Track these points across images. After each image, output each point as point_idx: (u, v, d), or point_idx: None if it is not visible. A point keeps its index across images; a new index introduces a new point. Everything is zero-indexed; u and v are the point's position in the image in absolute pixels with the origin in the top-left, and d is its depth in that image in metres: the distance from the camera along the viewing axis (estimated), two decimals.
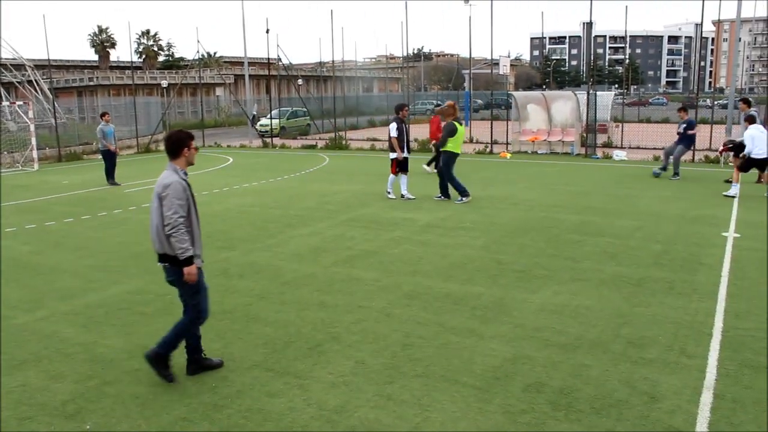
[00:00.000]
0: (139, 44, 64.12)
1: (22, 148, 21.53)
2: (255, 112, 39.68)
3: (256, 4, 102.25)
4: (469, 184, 12.50)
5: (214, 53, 65.56)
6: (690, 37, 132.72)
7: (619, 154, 20.36)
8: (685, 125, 15.37)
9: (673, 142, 15.92)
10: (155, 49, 65.98)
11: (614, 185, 14.32)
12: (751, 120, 13.01)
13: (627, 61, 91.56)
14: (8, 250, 9.16)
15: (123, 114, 32.99)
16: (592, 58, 79.70)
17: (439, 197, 12.53)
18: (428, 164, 16.90)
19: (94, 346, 5.52)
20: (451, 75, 74.53)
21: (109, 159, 16.02)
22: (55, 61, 52.20)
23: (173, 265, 4.57)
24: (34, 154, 20.98)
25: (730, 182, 13.04)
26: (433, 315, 6.10)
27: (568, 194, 13.11)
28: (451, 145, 12.15)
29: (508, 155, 21.54)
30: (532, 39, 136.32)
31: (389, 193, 12.78)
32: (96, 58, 64.23)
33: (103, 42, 62.67)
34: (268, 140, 28.54)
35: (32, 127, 21.09)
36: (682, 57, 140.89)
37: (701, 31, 24.76)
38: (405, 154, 12.42)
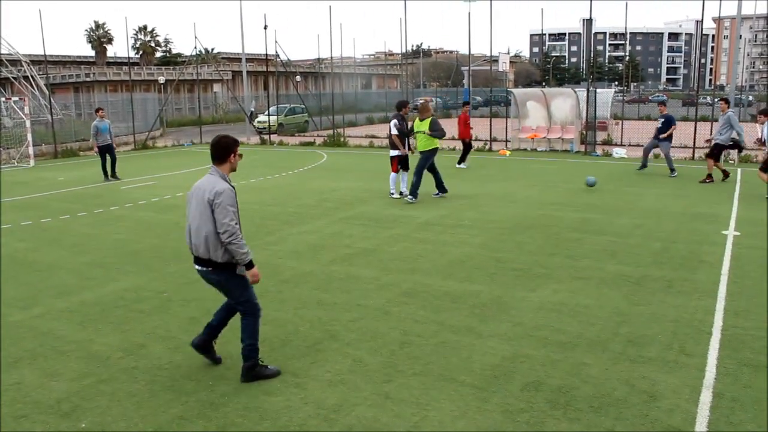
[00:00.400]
0: (136, 40, 64.10)
1: (18, 145, 21.40)
2: (253, 109, 39.62)
3: (254, 1, 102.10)
4: (467, 182, 12.49)
5: (212, 49, 65.59)
6: (690, 35, 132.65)
7: (618, 152, 20.32)
8: (663, 120, 15.47)
9: (650, 138, 16.18)
10: (152, 45, 65.97)
11: (614, 183, 14.30)
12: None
13: (627, 58, 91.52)
14: (4, 247, 9.13)
15: (120, 110, 32.93)
16: (591, 55, 79.49)
17: (437, 194, 12.50)
18: (459, 162, 17.62)
19: (89, 343, 5.49)
20: (450, 72, 74.54)
21: (107, 154, 15.93)
22: (52, 56, 52.19)
23: (216, 269, 4.57)
24: (30, 150, 20.87)
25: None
26: (431, 313, 6.08)
27: (567, 192, 13.09)
28: (429, 142, 12.08)
29: (508, 153, 21.51)
30: (531, 36, 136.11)
31: (392, 193, 12.69)
32: (93, 53, 64.16)
33: (99, 38, 62.57)
34: (266, 137, 28.49)
35: (28, 123, 20.96)
36: (682, 54, 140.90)
37: (702, 28, 24.70)
38: (406, 152, 12.39)
